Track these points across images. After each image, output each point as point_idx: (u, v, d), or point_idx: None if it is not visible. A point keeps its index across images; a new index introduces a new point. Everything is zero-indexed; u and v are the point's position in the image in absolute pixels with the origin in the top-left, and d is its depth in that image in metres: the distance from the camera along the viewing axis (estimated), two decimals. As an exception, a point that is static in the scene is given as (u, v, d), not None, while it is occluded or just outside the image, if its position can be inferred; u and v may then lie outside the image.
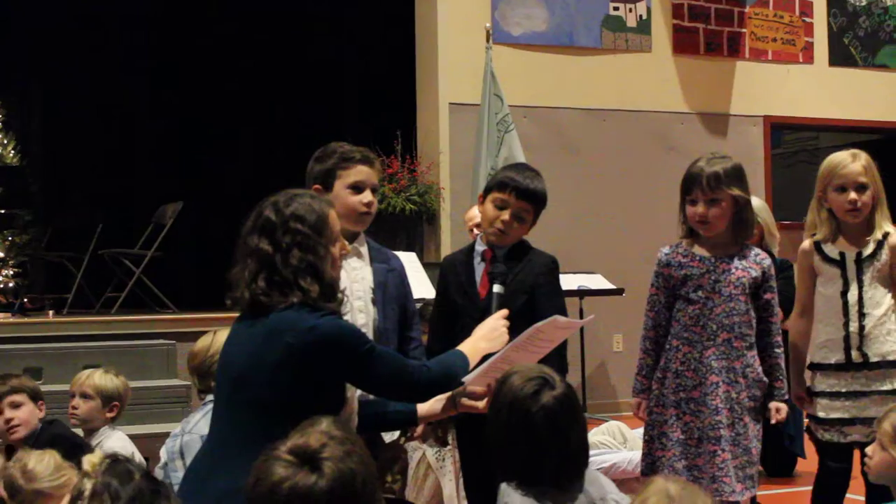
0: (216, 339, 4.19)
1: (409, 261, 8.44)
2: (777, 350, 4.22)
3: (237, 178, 11.26)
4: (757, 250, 4.25)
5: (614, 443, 5.62)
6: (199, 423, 4.05)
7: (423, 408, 3.62)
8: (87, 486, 2.37)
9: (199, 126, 11.86)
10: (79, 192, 11.55)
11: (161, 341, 7.86)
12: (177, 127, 12.00)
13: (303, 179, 4.01)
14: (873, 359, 4.34)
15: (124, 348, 7.57)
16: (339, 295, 3.31)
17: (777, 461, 6.63)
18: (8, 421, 4.65)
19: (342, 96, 11.79)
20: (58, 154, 11.93)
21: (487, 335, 3.55)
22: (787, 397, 4.27)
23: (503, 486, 2.97)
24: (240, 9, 11.65)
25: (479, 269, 4.18)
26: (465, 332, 3.66)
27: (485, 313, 3.84)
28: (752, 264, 4.17)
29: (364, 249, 4.03)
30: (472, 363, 3.42)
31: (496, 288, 3.95)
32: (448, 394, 3.55)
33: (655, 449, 4.22)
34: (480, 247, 4.22)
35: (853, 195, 4.35)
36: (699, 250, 4.20)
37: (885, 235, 4.37)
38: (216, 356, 3.97)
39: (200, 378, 4.28)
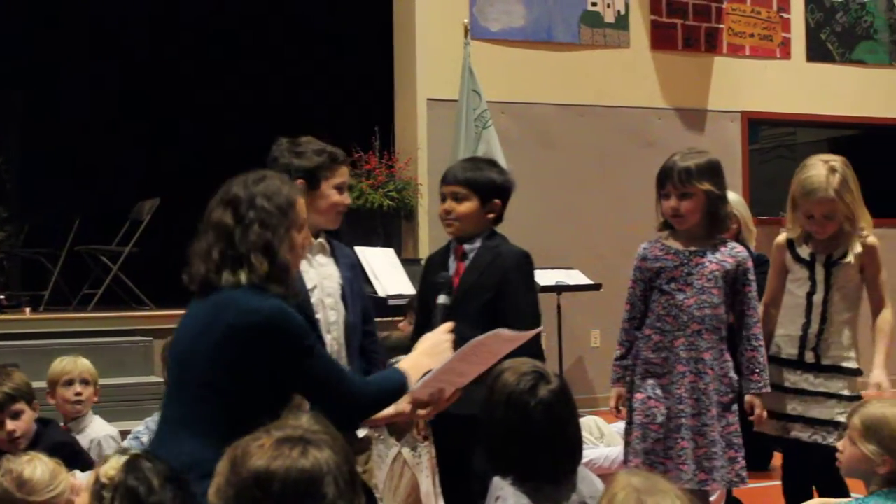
0: None
1: (387, 257, 8.47)
2: (755, 343, 4.27)
3: (214, 173, 11.20)
4: (733, 244, 4.32)
5: (591, 438, 5.62)
6: None
7: None
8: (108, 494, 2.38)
9: (176, 122, 11.82)
10: (55, 188, 11.48)
11: (138, 338, 7.86)
12: (154, 123, 11.95)
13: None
14: (825, 361, 4.39)
15: (101, 345, 7.55)
16: (296, 286, 3.29)
17: (752, 455, 6.63)
18: (10, 433, 4.35)
19: (320, 92, 11.76)
20: (34, 150, 11.87)
21: (430, 350, 3.46)
22: (766, 390, 4.31)
23: (496, 479, 2.98)
24: (218, 7, 11.61)
25: (454, 266, 4.23)
26: (432, 322, 3.67)
27: (454, 310, 3.89)
28: (726, 257, 4.24)
29: (328, 246, 4.07)
30: (413, 379, 3.33)
31: (441, 299, 3.96)
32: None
33: (628, 433, 4.35)
34: (454, 244, 4.28)
35: (816, 225, 4.37)
36: (674, 244, 4.29)
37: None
38: None
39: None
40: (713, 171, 4.25)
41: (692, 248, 4.26)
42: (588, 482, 3.04)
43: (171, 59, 11.84)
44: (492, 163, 4.46)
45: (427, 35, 9.58)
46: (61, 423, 5.04)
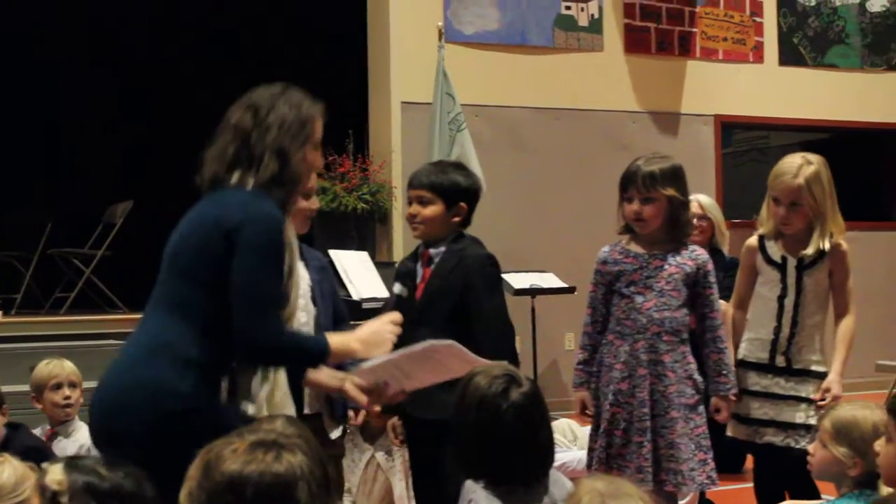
0: None
1: (361, 260, 8.46)
2: (721, 345, 4.29)
3: (188, 176, 11.16)
4: (694, 247, 4.34)
5: (564, 441, 5.64)
6: None
7: (315, 373, 3.54)
8: (65, 499, 2.38)
9: (150, 125, 11.77)
10: (27, 190, 11.42)
11: (111, 341, 7.81)
12: (127, 126, 11.89)
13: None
14: (796, 365, 4.41)
15: (73, 349, 7.49)
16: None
17: (725, 457, 6.65)
18: None
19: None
20: (5, 152, 11.80)
21: (366, 338, 3.35)
22: (733, 391, 4.33)
23: (468, 482, 2.98)
24: (189, 5, 11.57)
25: (420, 272, 4.26)
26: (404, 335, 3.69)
27: (420, 315, 3.93)
28: (686, 260, 4.26)
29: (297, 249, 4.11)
30: (335, 356, 3.26)
31: (396, 288, 3.98)
32: (343, 375, 3.48)
33: (593, 440, 4.36)
34: (421, 248, 4.31)
35: (783, 211, 4.38)
36: (635, 247, 4.32)
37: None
38: None
39: None
40: (677, 176, 4.28)
41: (652, 252, 4.28)
42: (560, 485, 3.05)
43: (142, 59, 11.78)
44: (458, 166, 4.47)
45: (401, 38, 9.58)
46: (48, 427, 5.01)
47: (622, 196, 4.32)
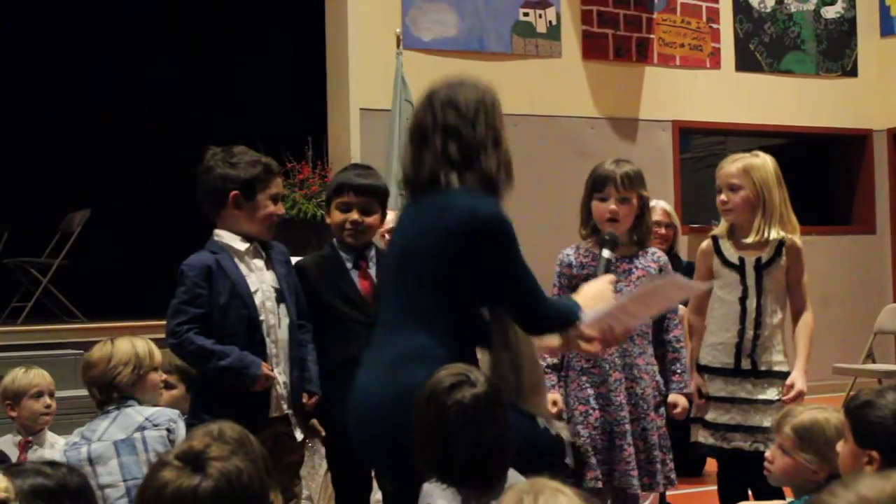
0: (116, 347, 4.09)
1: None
2: (677, 345, 4.34)
3: (146, 185, 11.12)
4: (653, 249, 4.44)
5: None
6: (108, 430, 3.93)
7: (544, 339, 3.68)
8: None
9: (107, 132, 11.70)
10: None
11: (69, 351, 7.76)
12: (84, 133, 11.82)
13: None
14: (761, 367, 4.43)
15: (31, 359, 7.43)
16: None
17: (686, 460, 6.68)
18: None
19: (252, 101, 11.70)
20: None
21: (596, 296, 3.55)
22: (686, 391, 4.36)
23: (425, 486, 3.00)
24: (148, 5, 11.52)
25: (355, 274, 4.28)
26: (351, 338, 3.69)
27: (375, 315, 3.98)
28: (650, 262, 4.33)
29: (262, 252, 4.14)
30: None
31: (606, 253, 4.03)
32: (570, 333, 3.58)
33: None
34: (352, 260, 4.32)
35: (723, 196, 4.47)
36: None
37: (782, 241, 4.44)
38: (118, 367, 3.93)
39: (101, 389, 4.09)
40: (643, 179, 4.40)
41: (618, 255, 4.31)
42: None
43: (98, 64, 11.70)
44: (370, 168, 4.61)
45: (359, 45, 9.56)
46: (20, 437, 4.95)
47: (594, 196, 4.36)
